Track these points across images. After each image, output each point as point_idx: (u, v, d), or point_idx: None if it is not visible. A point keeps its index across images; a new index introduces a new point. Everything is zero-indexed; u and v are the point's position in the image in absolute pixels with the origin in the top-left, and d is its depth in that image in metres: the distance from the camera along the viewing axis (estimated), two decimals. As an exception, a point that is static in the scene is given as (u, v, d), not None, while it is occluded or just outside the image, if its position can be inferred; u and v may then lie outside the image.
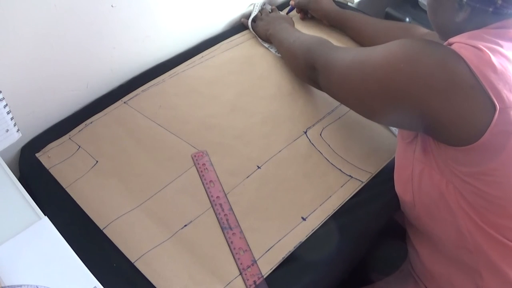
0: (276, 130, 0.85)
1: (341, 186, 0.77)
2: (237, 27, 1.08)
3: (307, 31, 1.07)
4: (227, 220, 0.72)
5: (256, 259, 0.67)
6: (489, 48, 0.54)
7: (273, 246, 0.69)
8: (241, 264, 0.67)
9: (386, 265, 0.84)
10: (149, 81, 0.92)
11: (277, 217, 0.73)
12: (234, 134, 0.84)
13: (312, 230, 0.71)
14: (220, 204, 0.73)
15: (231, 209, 0.73)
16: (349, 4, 1.17)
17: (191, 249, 0.68)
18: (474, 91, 0.53)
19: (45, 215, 0.61)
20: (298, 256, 0.69)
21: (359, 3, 1.22)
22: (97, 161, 0.79)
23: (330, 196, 0.76)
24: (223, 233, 0.70)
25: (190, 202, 0.74)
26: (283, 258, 0.68)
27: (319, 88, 0.81)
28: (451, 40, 0.59)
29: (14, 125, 0.66)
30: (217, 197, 0.74)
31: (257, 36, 1.04)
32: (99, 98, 0.90)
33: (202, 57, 0.99)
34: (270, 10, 1.09)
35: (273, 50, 1.01)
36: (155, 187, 0.75)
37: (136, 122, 0.85)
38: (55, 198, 0.74)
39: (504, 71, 0.53)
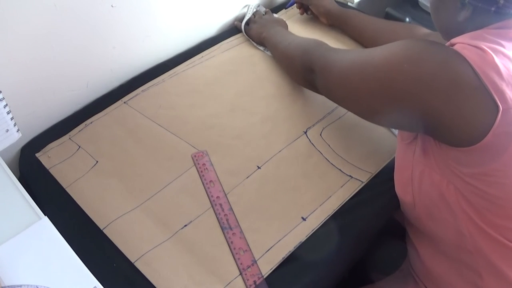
0: (276, 130, 0.85)
1: (341, 186, 0.77)
2: (230, 30, 1.07)
3: (305, 31, 1.07)
4: (227, 220, 0.71)
5: (256, 259, 0.67)
6: (492, 49, 0.54)
7: (273, 246, 0.69)
8: (241, 264, 0.67)
9: (386, 265, 0.84)
10: (149, 81, 0.92)
11: (277, 217, 0.73)
12: (234, 134, 0.84)
13: (312, 230, 0.71)
14: (220, 204, 0.73)
15: (231, 209, 0.73)
16: (349, 4, 1.17)
17: (191, 249, 0.68)
18: (477, 92, 0.53)
19: (45, 215, 0.61)
20: (298, 256, 0.69)
21: (359, 3, 1.22)
22: (97, 161, 0.79)
23: (330, 196, 0.76)
24: (223, 233, 0.70)
25: (190, 202, 0.74)
26: (283, 258, 0.68)
27: (316, 90, 0.80)
28: (453, 40, 0.59)
29: (14, 125, 0.66)
30: (217, 197, 0.74)
31: (250, 40, 1.03)
32: (99, 98, 0.90)
33: (202, 57, 0.99)
34: (263, 13, 1.07)
35: (268, 53, 1.00)
36: (155, 187, 0.75)
37: (136, 122, 0.85)
38: (55, 198, 0.74)
39: (507, 72, 0.53)
